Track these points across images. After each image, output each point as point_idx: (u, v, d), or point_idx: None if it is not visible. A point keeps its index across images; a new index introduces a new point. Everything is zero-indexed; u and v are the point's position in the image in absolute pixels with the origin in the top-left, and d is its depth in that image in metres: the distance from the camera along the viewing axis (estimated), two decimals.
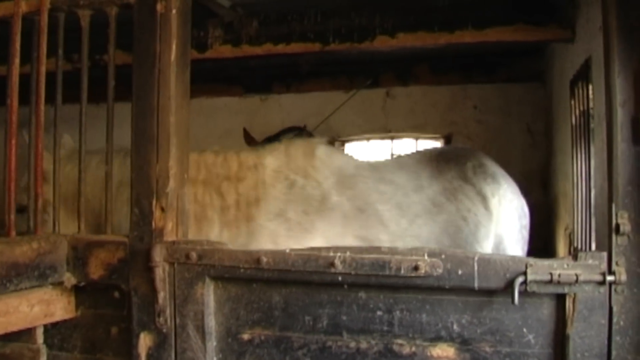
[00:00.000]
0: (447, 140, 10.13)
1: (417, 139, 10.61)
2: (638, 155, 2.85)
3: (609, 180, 2.92)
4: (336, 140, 10.50)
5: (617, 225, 2.83)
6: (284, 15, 6.69)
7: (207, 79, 10.14)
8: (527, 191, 9.45)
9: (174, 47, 3.33)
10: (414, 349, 3.07)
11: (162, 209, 3.29)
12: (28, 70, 3.56)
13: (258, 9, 6.69)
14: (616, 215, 2.85)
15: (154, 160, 3.31)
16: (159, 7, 3.33)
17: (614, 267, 2.83)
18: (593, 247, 4.97)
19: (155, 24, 3.34)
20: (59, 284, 3.42)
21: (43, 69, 3.50)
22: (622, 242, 2.84)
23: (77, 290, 3.52)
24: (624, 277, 2.81)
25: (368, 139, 10.77)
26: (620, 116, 2.87)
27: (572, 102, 6.09)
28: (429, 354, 3.05)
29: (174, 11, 3.33)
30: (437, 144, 10.46)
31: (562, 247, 7.64)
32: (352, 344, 3.13)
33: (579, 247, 5.76)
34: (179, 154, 3.35)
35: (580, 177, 5.70)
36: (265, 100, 10.74)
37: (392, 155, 10.65)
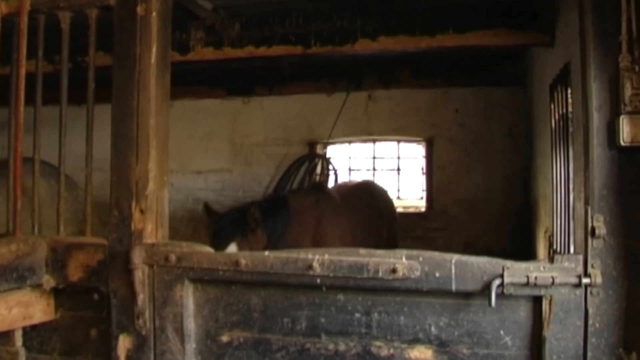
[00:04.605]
0: (429, 143, 10.18)
1: (398, 141, 10.65)
2: (614, 159, 2.88)
3: (585, 184, 2.94)
4: (318, 143, 10.53)
5: (593, 229, 2.86)
6: (265, 18, 6.70)
7: (190, 81, 10.15)
8: (508, 194, 9.61)
9: (154, 49, 3.32)
10: (392, 350, 3.08)
11: (142, 211, 3.29)
12: (8, 71, 3.56)
13: (240, 12, 6.69)
14: (592, 218, 2.88)
15: (134, 162, 3.30)
16: (139, 9, 3.33)
17: (589, 269, 2.85)
18: (572, 250, 5.00)
19: (135, 27, 3.33)
20: (37, 286, 3.40)
21: (23, 71, 3.49)
22: (597, 245, 2.87)
23: (56, 292, 3.50)
24: (599, 280, 2.83)
25: (350, 141, 10.80)
26: (596, 120, 2.90)
27: (552, 106, 6.13)
28: (407, 356, 3.07)
29: (154, 14, 3.33)
30: (419, 146, 10.51)
31: (542, 250, 7.69)
32: (331, 346, 3.14)
33: (558, 249, 5.80)
34: (158, 156, 3.35)
35: (559, 180, 5.74)
36: (247, 103, 10.76)
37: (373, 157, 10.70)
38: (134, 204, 3.30)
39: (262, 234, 5.98)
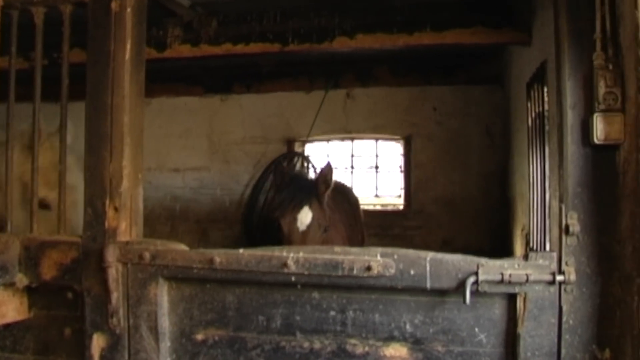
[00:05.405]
0: (407, 141, 10.19)
1: (377, 139, 10.66)
2: (588, 157, 2.90)
3: (559, 182, 2.96)
4: (297, 140, 10.51)
5: (567, 226, 2.87)
6: (243, 15, 6.70)
7: (168, 78, 10.13)
8: (485, 192, 9.65)
9: (128, 46, 3.30)
10: (367, 348, 3.08)
11: (116, 209, 3.26)
12: None
13: (217, 9, 6.69)
14: (566, 216, 2.89)
15: (108, 159, 3.28)
16: (113, 5, 3.30)
17: (563, 267, 2.87)
18: (547, 247, 5.03)
19: (109, 23, 3.30)
20: (10, 285, 3.36)
21: None
22: (571, 242, 2.88)
23: (29, 291, 3.47)
24: (573, 277, 2.85)
25: (328, 139, 10.79)
26: (571, 118, 2.91)
27: (529, 104, 6.17)
28: (382, 353, 3.07)
29: (128, 10, 3.31)
30: (398, 144, 10.51)
31: (519, 248, 7.73)
32: (306, 344, 3.13)
33: (535, 247, 5.83)
34: (132, 153, 3.32)
35: (535, 179, 5.77)
36: (225, 101, 10.71)
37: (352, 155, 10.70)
38: (107, 202, 3.27)
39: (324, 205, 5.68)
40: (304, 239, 5.27)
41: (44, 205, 3.81)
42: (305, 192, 5.57)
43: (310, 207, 5.44)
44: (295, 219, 5.34)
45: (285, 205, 5.48)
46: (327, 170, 5.71)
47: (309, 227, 5.34)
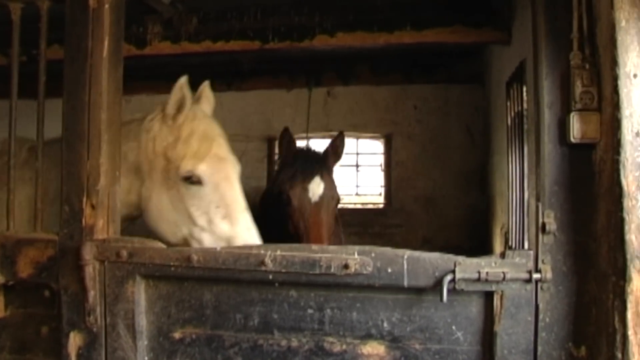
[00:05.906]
0: (388, 139, 10.20)
1: (357, 138, 10.65)
2: (564, 156, 2.92)
3: (537, 180, 2.98)
4: (277, 139, 10.47)
5: (544, 224, 2.90)
6: (223, 12, 6.66)
7: (148, 76, 10.04)
8: (465, 190, 9.67)
9: (106, 43, 3.28)
10: (344, 346, 3.08)
11: (93, 207, 3.24)
12: None
13: (197, 6, 6.65)
14: (542, 214, 2.91)
15: (85, 157, 3.26)
16: (91, 1, 3.28)
17: (540, 265, 2.89)
18: (526, 246, 5.05)
19: (87, 19, 3.29)
20: None
21: None
22: (548, 240, 2.90)
23: (6, 289, 3.44)
24: (549, 275, 2.87)
25: (309, 137, 10.76)
26: (548, 117, 2.94)
27: (508, 103, 6.19)
28: (359, 351, 3.07)
29: (106, 6, 3.29)
30: (378, 143, 10.51)
31: (498, 246, 7.76)
32: (283, 342, 3.13)
33: (514, 246, 5.86)
34: (110, 150, 3.31)
35: (514, 177, 5.80)
36: None
37: None
38: (85, 199, 3.25)
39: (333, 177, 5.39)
40: (317, 211, 4.97)
41: (194, 180, 3.74)
42: (316, 164, 5.30)
43: (322, 178, 5.16)
44: (306, 190, 5.05)
45: (295, 178, 5.18)
46: (339, 141, 5.51)
47: (321, 197, 5.03)
